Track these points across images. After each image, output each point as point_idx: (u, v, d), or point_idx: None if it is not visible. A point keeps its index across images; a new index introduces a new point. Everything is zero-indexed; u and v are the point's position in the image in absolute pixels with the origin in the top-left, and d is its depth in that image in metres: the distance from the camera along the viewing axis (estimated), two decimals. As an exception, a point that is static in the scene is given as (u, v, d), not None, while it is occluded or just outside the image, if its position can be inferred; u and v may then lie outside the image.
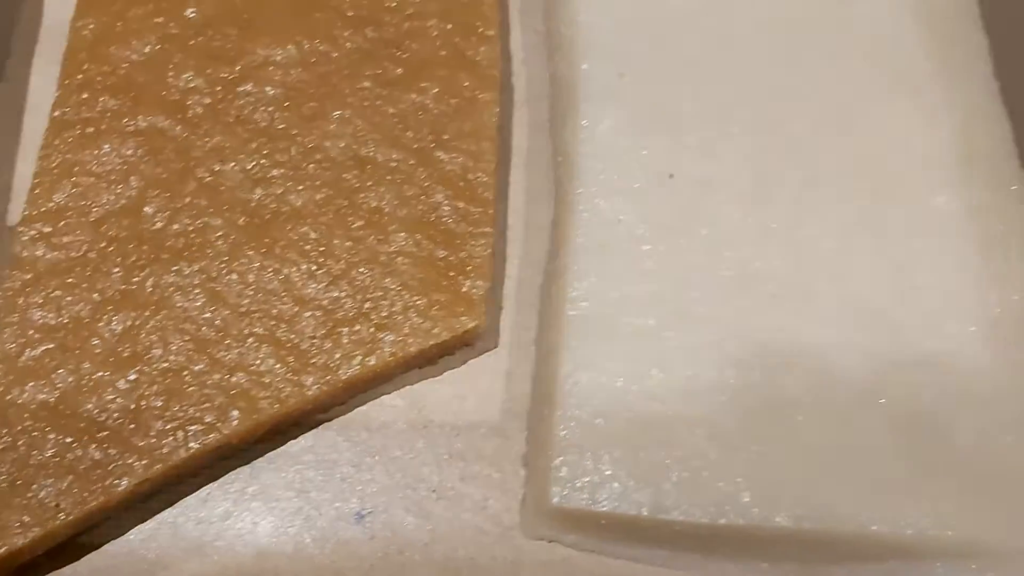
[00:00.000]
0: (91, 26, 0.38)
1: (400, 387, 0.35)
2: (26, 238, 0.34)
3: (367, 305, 0.34)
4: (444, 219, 0.35)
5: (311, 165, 0.36)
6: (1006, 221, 0.34)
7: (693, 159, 0.35)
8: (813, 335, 0.32)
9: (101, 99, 0.36)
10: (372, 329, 0.33)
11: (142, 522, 0.33)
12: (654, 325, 0.33)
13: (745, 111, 0.35)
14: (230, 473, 0.33)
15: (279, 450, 0.34)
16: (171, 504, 0.33)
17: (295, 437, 0.34)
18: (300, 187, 0.35)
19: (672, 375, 0.32)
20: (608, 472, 0.30)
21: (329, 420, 0.34)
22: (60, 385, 0.32)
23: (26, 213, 0.35)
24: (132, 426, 0.32)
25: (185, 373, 0.33)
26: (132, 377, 0.32)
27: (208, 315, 0.33)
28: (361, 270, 0.34)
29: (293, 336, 0.33)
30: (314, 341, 0.33)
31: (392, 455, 0.34)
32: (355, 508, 0.33)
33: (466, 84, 0.37)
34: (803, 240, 0.34)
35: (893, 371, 0.32)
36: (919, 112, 0.35)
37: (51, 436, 0.31)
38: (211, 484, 0.33)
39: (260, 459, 0.34)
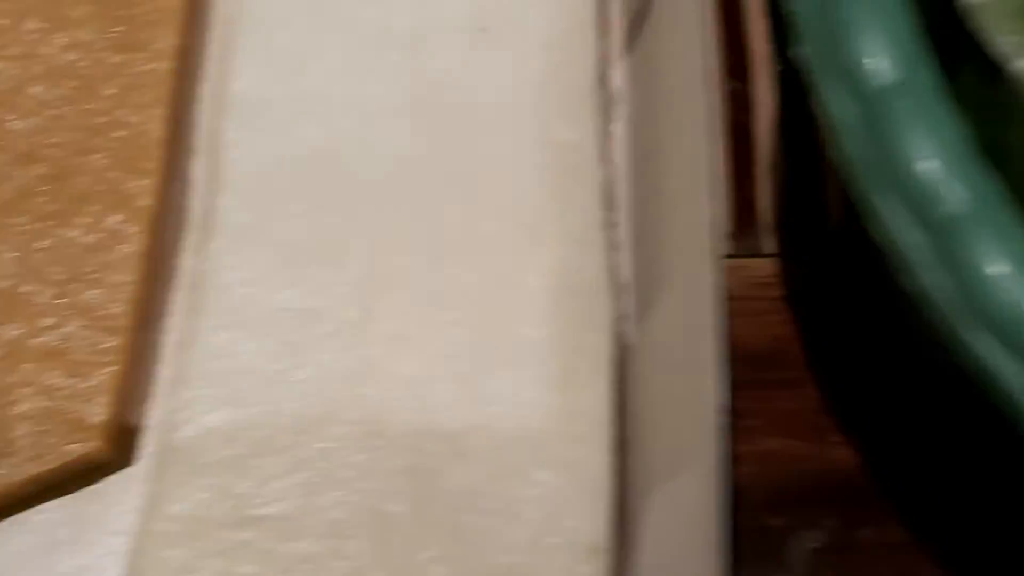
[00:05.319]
0: None
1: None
2: None
3: (-17, 434, 0.36)
4: (74, 350, 0.37)
5: (-48, 297, 0.38)
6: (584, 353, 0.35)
7: (303, 293, 0.36)
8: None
9: None
10: (-13, 456, 0.35)
11: None
12: (243, 454, 0.34)
13: (361, 245, 0.37)
14: None
15: None
16: None
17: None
18: (-59, 317, 0.38)
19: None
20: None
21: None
22: None
23: None
24: None
25: None
26: None
27: None
28: (-17, 399, 0.36)
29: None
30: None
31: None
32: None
33: (119, 218, 0.39)
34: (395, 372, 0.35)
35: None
36: (527, 243, 0.37)
37: None
38: None
39: None
